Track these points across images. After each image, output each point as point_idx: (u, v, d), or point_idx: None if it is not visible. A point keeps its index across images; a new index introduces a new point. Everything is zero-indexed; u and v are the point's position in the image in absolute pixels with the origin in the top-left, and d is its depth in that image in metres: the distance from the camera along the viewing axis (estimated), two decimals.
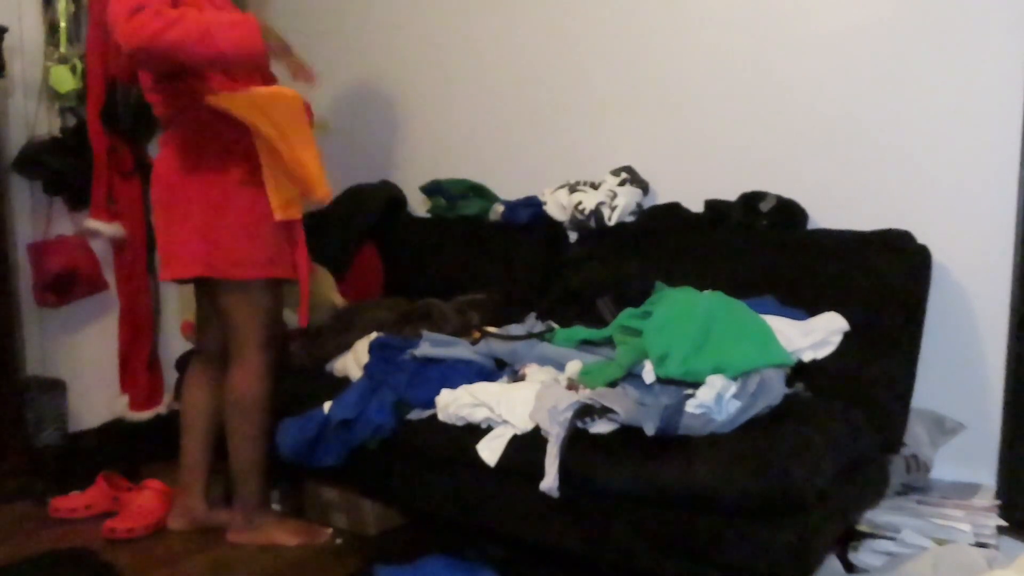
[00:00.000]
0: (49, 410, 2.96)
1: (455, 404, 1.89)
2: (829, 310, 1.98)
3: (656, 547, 1.60)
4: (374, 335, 2.28)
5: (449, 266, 2.78)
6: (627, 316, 1.84)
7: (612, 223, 2.48)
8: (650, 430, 1.60)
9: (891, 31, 2.16)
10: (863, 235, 2.10)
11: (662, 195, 2.56)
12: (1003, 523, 1.89)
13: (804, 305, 2.02)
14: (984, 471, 2.07)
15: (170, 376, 2.98)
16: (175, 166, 2.18)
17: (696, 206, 2.43)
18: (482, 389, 1.89)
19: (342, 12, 3.30)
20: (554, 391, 1.79)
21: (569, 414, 1.67)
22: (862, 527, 1.93)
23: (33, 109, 2.92)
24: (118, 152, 2.93)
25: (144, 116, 2.78)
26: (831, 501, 1.60)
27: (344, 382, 2.24)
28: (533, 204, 2.70)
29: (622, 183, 2.52)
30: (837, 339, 1.93)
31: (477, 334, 2.25)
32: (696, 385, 1.63)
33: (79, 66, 2.87)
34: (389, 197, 3.02)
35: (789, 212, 2.25)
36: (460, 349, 2.11)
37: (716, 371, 1.62)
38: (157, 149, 2.31)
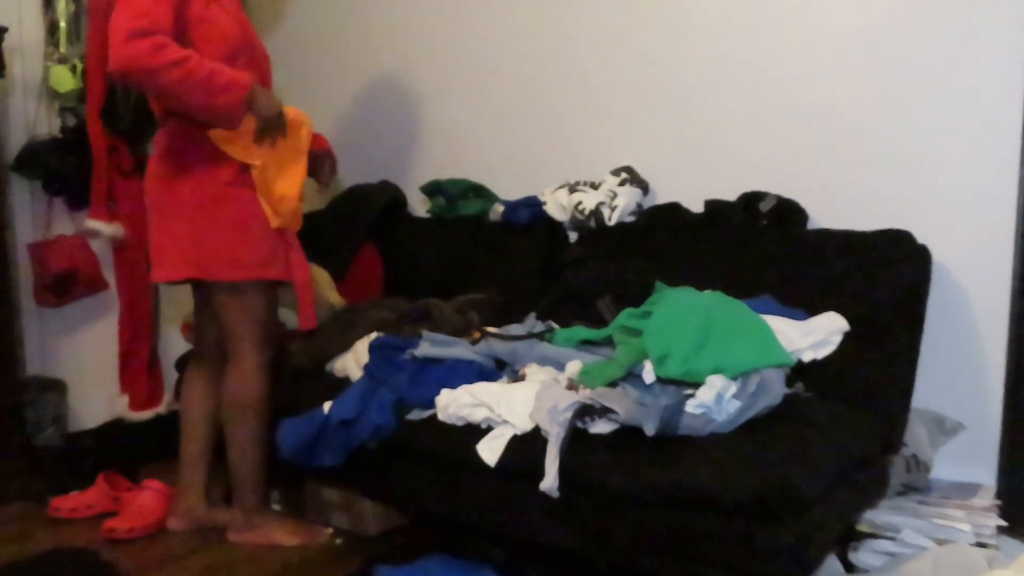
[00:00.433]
0: (49, 410, 2.96)
1: (455, 404, 1.89)
2: (829, 310, 1.98)
3: (656, 547, 1.60)
4: (374, 335, 2.28)
5: (449, 266, 2.78)
6: (627, 316, 1.84)
7: (612, 223, 2.48)
8: (650, 430, 1.60)
9: (891, 31, 2.16)
10: (863, 235, 2.10)
11: (662, 195, 2.56)
12: (1003, 523, 1.90)
13: (804, 305, 2.02)
14: (984, 471, 2.07)
15: (170, 376, 2.98)
16: (166, 166, 2.17)
17: (696, 206, 2.42)
18: (482, 389, 1.89)
19: (342, 13, 3.30)
20: (554, 391, 1.79)
21: (569, 414, 1.67)
22: (862, 527, 1.93)
23: (33, 109, 2.92)
24: (118, 152, 2.93)
25: (144, 116, 2.77)
26: (831, 501, 1.60)
27: (344, 382, 2.24)
28: (533, 204, 2.70)
29: (622, 183, 2.52)
30: (837, 339, 1.93)
31: (477, 334, 2.25)
32: (696, 385, 1.63)
33: (79, 66, 2.87)
34: (389, 197, 3.02)
35: (789, 212, 2.25)
36: (460, 349, 2.11)
37: (716, 371, 1.62)
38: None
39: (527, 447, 1.73)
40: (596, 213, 2.49)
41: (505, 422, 1.80)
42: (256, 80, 2.18)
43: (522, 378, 1.99)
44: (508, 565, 2.11)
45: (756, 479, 1.48)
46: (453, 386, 1.95)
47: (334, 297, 2.71)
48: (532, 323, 2.28)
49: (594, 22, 2.67)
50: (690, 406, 1.62)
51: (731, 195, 2.35)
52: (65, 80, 2.86)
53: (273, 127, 2.15)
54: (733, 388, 1.63)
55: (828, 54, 2.25)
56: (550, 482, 1.64)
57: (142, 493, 2.48)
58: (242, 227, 2.15)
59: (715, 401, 1.61)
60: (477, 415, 1.85)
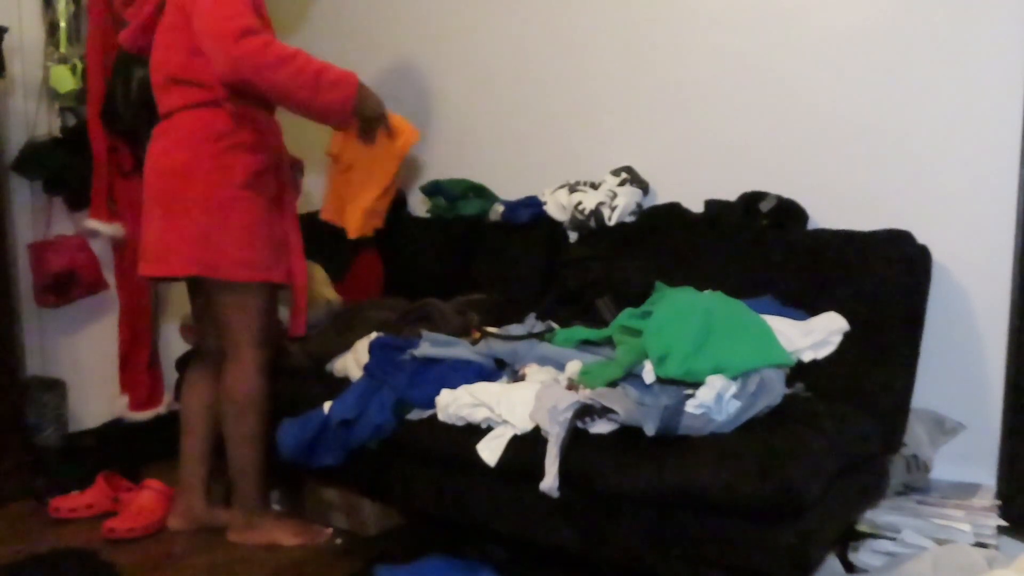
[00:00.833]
0: (49, 410, 2.96)
1: (455, 404, 1.89)
2: (829, 310, 1.98)
3: (656, 547, 1.60)
4: (374, 335, 2.28)
5: (449, 266, 2.78)
6: (627, 316, 1.84)
7: (612, 223, 2.48)
8: (650, 430, 1.60)
9: (892, 31, 2.16)
10: (863, 235, 2.10)
11: (662, 195, 2.56)
12: (1003, 523, 1.89)
13: (804, 305, 2.02)
14: (984, 471, 2.07)
15: (170, 376, 2.98)
16: (177, 160, 2.15)
17: (696, 206, 2.42)
18: (482, 389, 1.89)
19: (342, 13, 3.30)
20: (554, 391, 1.79)
21: (569, 414, 1.67)
22: (862, 527, 1.93)
23: (33, 109, 2.92)
24: (118, 152, 2.93)
25: (144, 116, 2.77)
26: (831, 501, 1.60)
27: (344, 382, 2.24)
28: (533, 204, 2.70)
29: (622, 183, 2.52)
30: (837, 339, 1.93)
31: (477, 334, 2.25)
32: (696, 385, 1.63)
33: (79, 66, 2.87)
34: None
35: (789, 212, 2.25)
36: (460, 349, 2.11)
37: (716, 371, 1.62)
38: None
39: (527, 447, 1.73)
40: (596, 213, 2.49)
41: (505, 422, 1.80)
42: None
43: (522, 378, 1.99)
44: (508, 565, 2.11)
45: (756, 479, 1.48)
46: (453, 386, 1.95)
47: (330, 293, 2.71)
48: (532, 323, 2.28)
49: (594, 22, 2.67)
50: (690, 406, 1.62)
51: (731, 195, 2.35)
52: (65, 80, 2.86)
53: (375, 127, 2.23)
54: (733, 388, 1.63)
55: (828, 54, 2.25)
56: (550, 482, 1.64)
57: (142, 493, 2.48)
58: (250, 229, 2.16)
59: (715, 401, 1.61)
60: (477, 415, 1.85)
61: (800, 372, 1.89)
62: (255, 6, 2.08)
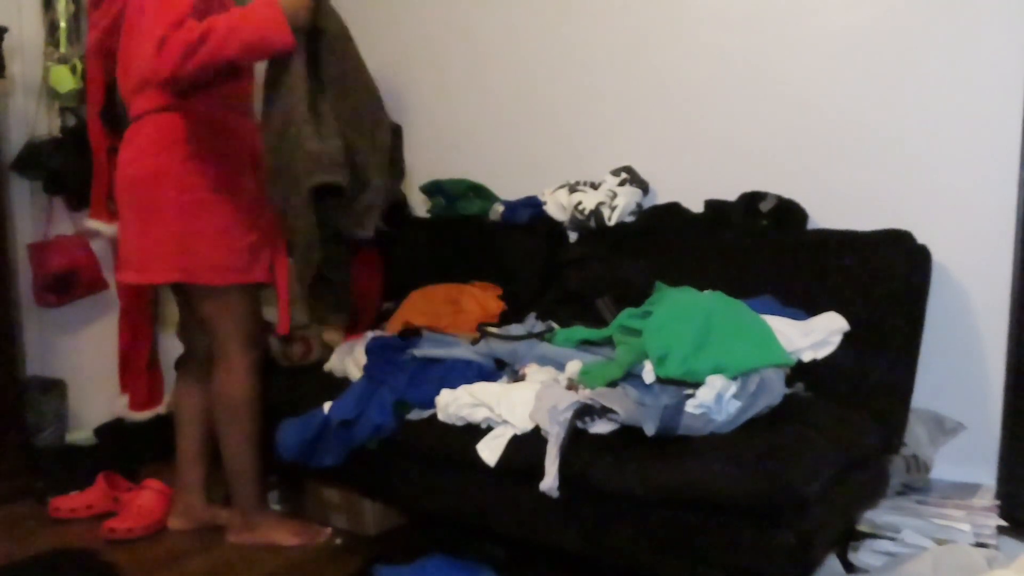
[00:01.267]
0: (49, 410, 2.96)
1: (455, 404, 1.89)
2: (829, 310, 1.98)
3: (656, 547, 1.60)
4: (370, 334, 2.28)
5: (449, 266, 2.78)
6: (627, 316, 1.84)
7: (612, 223, 2.48)
8: (650, 430, 1.60)
9: (891, 31, 2.16)
10: (863, 235, 2.10)
11: (662, 195, 2.56)
12: (1003, 523, 1.89)
13: (804, 305, 2.02)
14: (984, 471, 2.07)
15: (170, 376, 2.97)
16: (146, 167, 2.13)
17: (696, 206, 2.42)
18: (482, 389, 1.89)
19: (342, 12, 3.29)
20: (554, 391, 1.79)
21: (569, 414, 1.67)
22: (862, 527, 1.93)
23: (33, 109, 2.92)
24: (118, 152, 2.92)
25: None
26: (831, 501, 1.60)
27: (344, 382, 2.24)
28: (533, 204, 2.70)
29: (622, 183, 2.52)
30: (837, 339, 1.93)
31: (477, 334, 2.25)
32: (696, 385, 1.63)
33: (79, 66, 2.87)
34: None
35: (789, 212, 2.25)
36: (460, 349, 2.11)
37: (716, 371, 1.62)
38: None
39: (527, 447, 1.73)
40: (596, 213, 2.49)
41: (505, 422, 1.80)
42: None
43: (522, 378, 1.99)
44: (508, 565, 2.11)
45: (756, 479, 1.48)
46: (453, 386, 1.95)
47: None
48: (532, 323, 2.28)
49: (594, 22, 2.67)
50: (690, 406, 1.62)
51: (731, 195, 2.35)
52: (65, 80, 2.86)
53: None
54: (733, 388, 1.63)
55: (828, 54, 2.25)
56: (550, 482, 1.64)
57: (142, 493, 2.48)
58: (225, 232, 2.15)
59: (715, 401, 1.61)
60: (477, 415, 1.85)
61: (800, 372, 1.89)
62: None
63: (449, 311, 2.47)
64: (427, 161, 3.08)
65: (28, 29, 2.90)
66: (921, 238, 2.06)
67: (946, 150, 2.10)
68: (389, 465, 2.01)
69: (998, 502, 1.94)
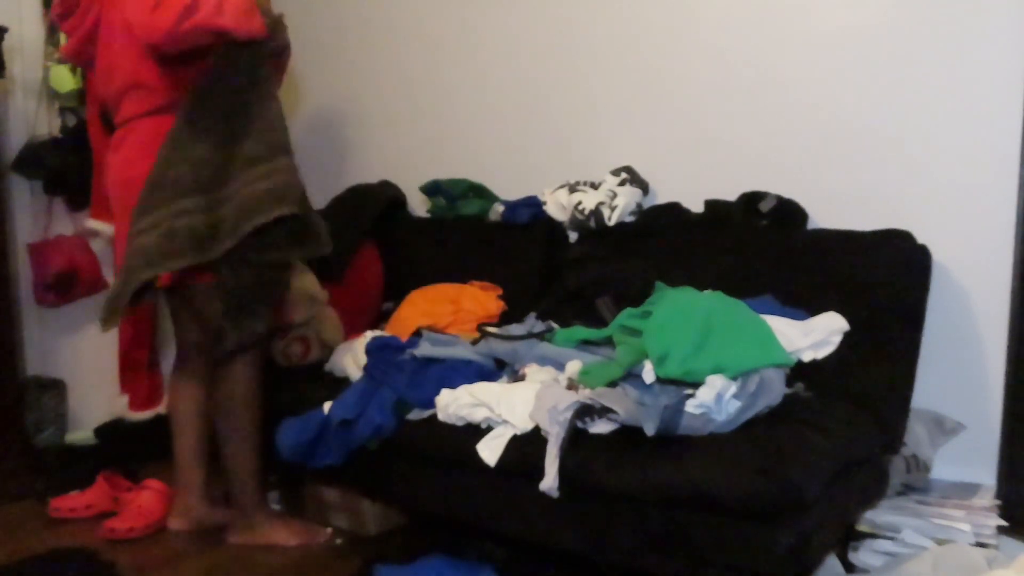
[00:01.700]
0: (49, 410, 2.96)
1: (455, 404, 1.89)
2: (829, 310, 1.98)
3: (656, 547, 1.60)
4: (370, 334, 2.28)
5: (449, 266, 2.78)
6: (627, 316, 1.84)
7: (612, 223, 2.48)
8: (650, 430, 1.60)
9: (891, 31, 2.16)
10: (863, 235, 2.10)
11: (662, 195, 2.56)
12: (1003, 523, 1.89)
13: (804, 305, 2.02)
14: (984, 471, 2.07)
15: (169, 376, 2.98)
16: (141, 170, 2.12)
17: (696, 206, 2.42)
18: (482, 389, 1.89)
19: (342, 11, 3.30)
20: (554, 391, 1.79)
21: (569, 414, 1.67)
22: (862, 527, 1.93)
23: (33, 109, 2.92)
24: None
25: None
26: (831, 501, 1.60)
27: (344, 382, 2.24)
28: (533, 204, 2.70)
29: (622, 183, 2.52)
30: (837, 339, 1.93)
31: (477, 334, 2.25)
32: (696, 385, 1.63)
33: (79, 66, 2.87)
34: (389, 197, 3.02)
35: (789, 212, 2.25)
36: (460, 349, 2.11)
37: (716, 371, 1.62)
38: None
39: (527, 447, 1.73)
40: (596, 213, 2.49)
41: (505, 422, 1.80)
42: None
43: (522, 378, 1.99)
44: (508, 565, 2.11)
45: (756, 479, 1.48)
46: (453, 386, 1.95)
47: (312, 286, 2.63)
48: (532, 323, 2.28)
49: (594, 22, 2.67)
50: (690, 406, 1.62)
51: (731, 195, 2.35)
52: (65, 80, 2.86)
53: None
54: (733, 388, 1.63)
55: (828, 54, 2.25)
56: (550, 482, 1.64)
57: (142, 493, 2.48)
58: None
59: (715, 401, 1.61)
60: (477, 415, 1.86)
61: (800, 372, 1.89)
62: None
63: (449, 311, 2.47)
64: (427, 161, 3.08)
65: (28, 29, 2.90)
66: (921, 238, 2.06)
67: (946, 150, 2.10)
68: (389, 465, 2.01)
69: (998, 502, 1.94)
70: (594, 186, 2.57)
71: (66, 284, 2.95)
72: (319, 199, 3.09)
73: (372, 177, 3.13)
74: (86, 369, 3.10)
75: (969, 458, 2.08)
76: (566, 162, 2.75)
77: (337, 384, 2.22)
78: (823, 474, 1.55)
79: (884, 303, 1.98)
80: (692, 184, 2.47)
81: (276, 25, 2.20)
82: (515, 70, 2.86)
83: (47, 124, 2.95)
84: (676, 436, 1.61)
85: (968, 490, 2.00)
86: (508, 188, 2.85)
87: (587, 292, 2.38)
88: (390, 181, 3.11)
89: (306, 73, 3.39)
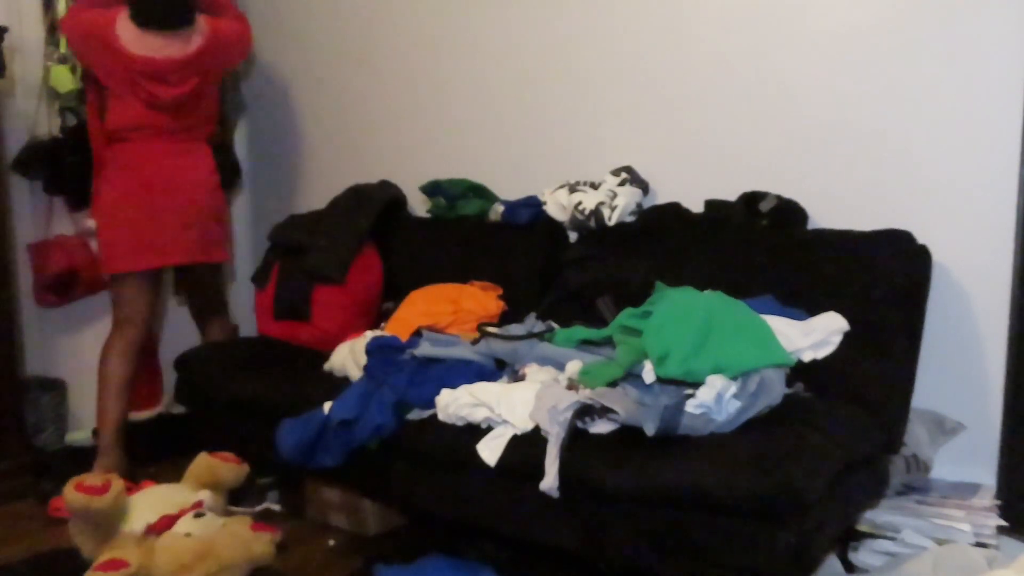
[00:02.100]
0: (49, 410, 2.96)
1: (455, 404, 1.89)
2: (829, 310, 1.98)
3: (656, 547, 1.60)
4: (370, 334, 2.28)
5: (449, 266, 2.78)
6: (627, 316, 1.84)
7: (612, 223, 2.48)
8: (650, 430, 1.60)
9: (891, 31, 2.16)
10: (863, 235, 2.10)
11: (662, 195, 2.56)
12: (1003, 523, 1.89)
13: (804, 305, 2.02)
14: (984, 471, 2.06)
15: (170, 376, 2.97)
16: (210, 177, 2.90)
17: (696, 206, 2.42)
18: (482, 389, 1.89)
19: (342, 11, 3.30)
20: (554, 391, 1.79)
21: (569, 414, 1.67)
22: (862, 527, 1.93)
23: (33, 109, 2.92)
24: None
25: None
26: (831, 501, 1.60)
27: (344, 382, 2.24)
28: (533, 204, 2.70)
29: (622, 183, 2.52)
30: (837, 339, 1.93)
31: (477, 334, 2.25)
32: (696, 385, 1.63)
33: (79, 66, 2.86)
34: (389, 197, 3.02)
35: (789, 212, 2.25)
36: (460, 349, 2.11)
37: (716, 371, 1.62)
38: None
39: (527, 447, 1.73)
40: (596, 213, 2.49)
41: (505, 422, 1.80)
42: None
43: (522, 378, 1.99)
44: (508, 565, 2.11)
45: (756, 479, 1.48)
46: (453, 386, 1.95)
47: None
48: (532, 323, 2.28)
49: (594, 22, 2.66)
50: (690, 406, 1.62)
51: (731, 195, 2.35)
52: (65, 80, 2.86)
53: None
54: (733, 388, 1.63)
55: (828, 54, 2.25)
56: (550, 482, 1.64)
57: None
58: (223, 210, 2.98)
59: (715, 401, 1.61)
60: (477, 415, 1.85)
61: (800, 372, 1.89)
62: None
63: (449, 311, 2.47)
64: (427, 161, 3.08)
65: (28, 29, 2.90)
66: (921, 238, 2.06)
67: (946, 150, 2.10)
68: (389, 465, 2.01)
69: (998, 502, 1.94)
70: (594, 186, 2.57)
71: (66, 284, 2.95)
72: (319, 199, 3.10)
73: (372, 177, 3.13)
74: (86, 369, 3.09)
75: (969, 458, 2.08)
76: (566, 162, 2.75)
77: (337, 384, 2.22)
78: (823, 474, 1.55)
79: (884, 303, 1.98)
80: (692, 184, 2.47)
81: None
82: (515, 70, 2.86)
83: (47, 124, 2.95)
84: (676, 436, 1.61)
85: (968, 490, 2.00)
86: (508, 188, 2.85)
87: (587, 292, 2.38)
88: (390, 181, 3.11)
89: (306, 73, 3.39)
